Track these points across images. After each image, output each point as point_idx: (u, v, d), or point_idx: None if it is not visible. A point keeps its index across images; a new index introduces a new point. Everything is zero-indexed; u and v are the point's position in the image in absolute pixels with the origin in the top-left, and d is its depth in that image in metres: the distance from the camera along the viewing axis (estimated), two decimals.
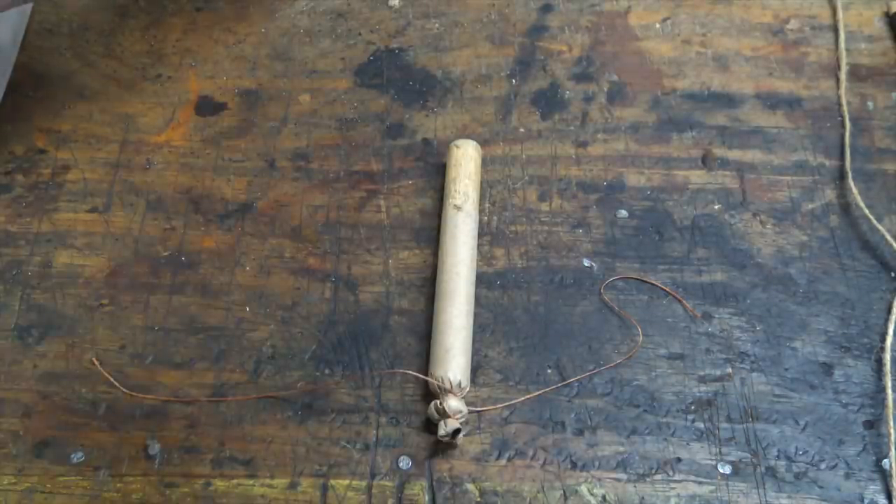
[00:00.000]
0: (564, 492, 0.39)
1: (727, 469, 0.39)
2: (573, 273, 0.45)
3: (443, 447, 0.40)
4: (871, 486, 0.39)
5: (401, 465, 0.40)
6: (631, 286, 0.45)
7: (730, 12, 0.56)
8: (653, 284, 0.45)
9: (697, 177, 0.49)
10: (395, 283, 0.45)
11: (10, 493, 0.40)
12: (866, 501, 0.38)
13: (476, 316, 0.43)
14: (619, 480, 0.39)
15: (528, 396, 0.41)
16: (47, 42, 0.56)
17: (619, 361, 0.42)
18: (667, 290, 0.44)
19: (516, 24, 0.55)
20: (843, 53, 0.53)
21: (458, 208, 0.45)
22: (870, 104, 0.51)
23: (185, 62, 0.55)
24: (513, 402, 0.41)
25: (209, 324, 0.44)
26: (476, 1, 0.57)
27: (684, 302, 0.44)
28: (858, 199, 0.46)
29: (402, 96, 0.53)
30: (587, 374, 0.42)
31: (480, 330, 0.43)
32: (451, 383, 0.39)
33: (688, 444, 0.40)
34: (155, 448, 0.41)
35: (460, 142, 0.47)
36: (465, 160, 0.47)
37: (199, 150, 0.51)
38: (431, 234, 0.47)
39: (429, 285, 0.45)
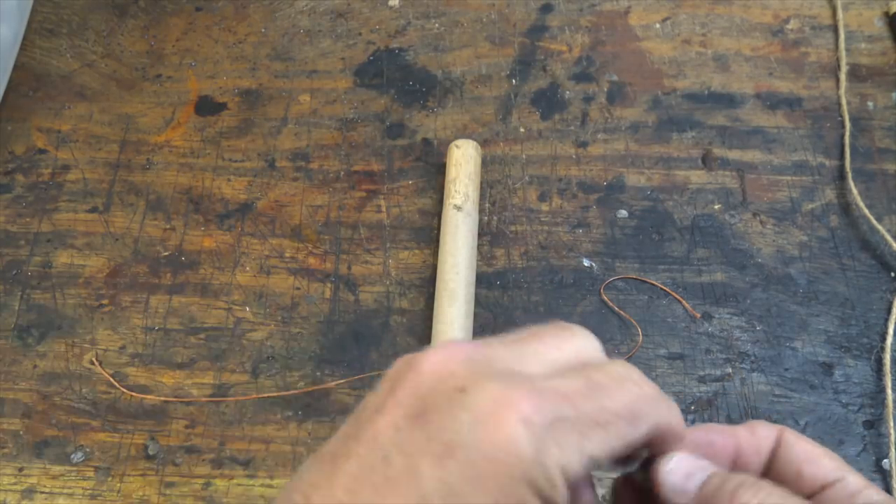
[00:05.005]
0: None
1: None
2: (573, 273, 0.45)
3: None
4: None
5: None
6: (631, 286, 0.45)
7: (730, 12, 0.55)
8: (652, 284, 0.45)
9: (697, 177, 0.49)
10: (395, 283, 0.45)
11: (10, 493, 0.40)
12: None
13: (476, 316, 0.43)
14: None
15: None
16: (47, 42, 0.56)
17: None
18: (666, 290, 0.44)
19: (516, 24, 0.55)
20: (843, 53, 0.53)
21: (458, 208, 0.45)
22: (870, 104, 0.51)
23: (185, 62, 0.55)
24: None
25: (209, 324, 0.44)
26: (476, 1, 0.57)
27: (684, 302, 0.44)
28: (858, 199, 0.46)
29: (402, 96, 0.53)
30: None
31: (480, 330, 0.43)
32: None
33: None
34: (155, 448, 0.41)
35: (460, 142, 0.47)
36: (465, 160, 0.47)
37: (199, 150, 0.51)
38: (431, 234, 0.47)
39: (429, 285, 0.45)
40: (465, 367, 0.24)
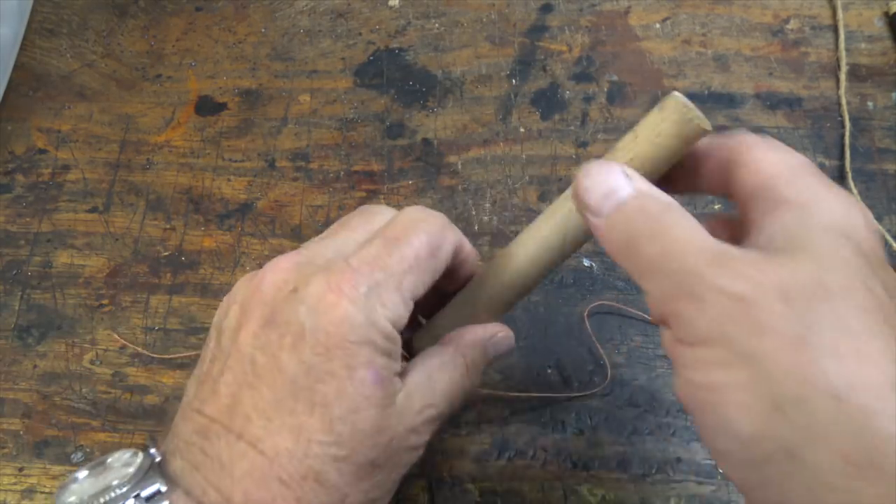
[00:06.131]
0: (564, 492, 0.39)
1: None
2: (573, 273, 0.45)
3: (443, 447, 0.40)
4: None
5: None
6: (631, 286, 0.45)
7: (730, 12, 0.56)
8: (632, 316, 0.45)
9: None
10: None
11: (10, 493, 0.40)
12: None
13: None
14: (619, 480, 0.39)
15: (529, 395, 0.41)
16: (47, 42, 0.56)
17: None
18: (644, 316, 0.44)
19: (516, 24, 0.56)
20: (843, 53, 0.53)
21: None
22: (870, 104, 0.51)
23: (185, 62, 0.55)
24: (513, 398, 0.41)
25: (209, 324, 0.44)
26: (476, 1, 0.57)
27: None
28: (858, 199, 0.46)
29: (402, 96, 0.53)
30: (592, 392, 0.42)
31: None
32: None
33: (688, 444, 0.40)
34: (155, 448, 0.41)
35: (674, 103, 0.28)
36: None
37: (199, 150, 0.51)
38: None
39: None
40: (293, 271, 0.29)
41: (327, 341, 0.27)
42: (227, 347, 0.29)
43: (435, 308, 0.35)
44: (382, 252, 0.29)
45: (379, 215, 0.32)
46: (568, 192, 0.30)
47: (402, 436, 0.29)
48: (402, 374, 0.30)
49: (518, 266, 0.32)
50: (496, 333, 0.34)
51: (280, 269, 0.29)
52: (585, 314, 0.44)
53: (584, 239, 0.31)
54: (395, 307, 0.28)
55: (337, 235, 0.31)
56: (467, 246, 0.32)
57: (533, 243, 0.31)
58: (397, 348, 0.29)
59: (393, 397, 0.28)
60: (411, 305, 0.29)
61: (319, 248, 0.30)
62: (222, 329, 0.30)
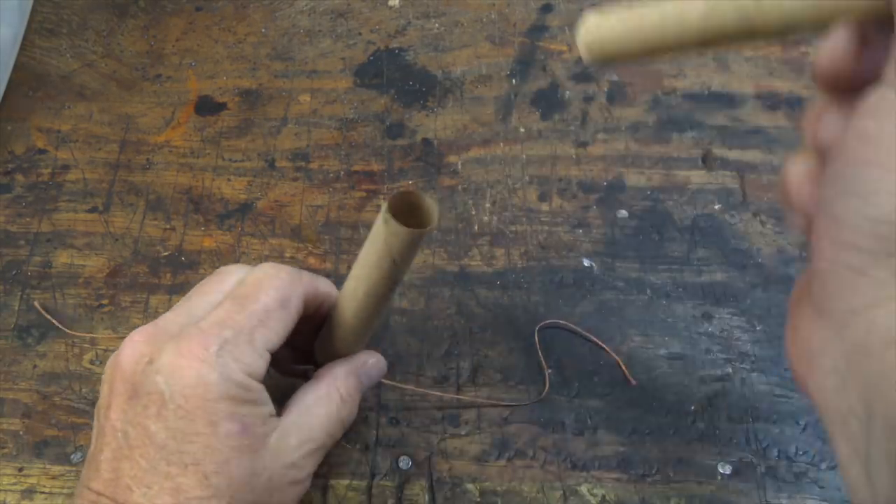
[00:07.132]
0: (564, 492, 0.39)
1: (727, 469, 0.39)
2: (573, 273, 0.45)
3: (443, 447, 0.40)
4: None
5: (401, 465, 0.40)
6: (631, 286, 0.45)
7: None
8: (582, 336, 0.45)
9: (697, 177, 0.49)
10: None
11: (10, 493, 0.40)
12: None
13: (476, 316, 0.43)
14: (619, 480, 0.39)
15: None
16: (47, 42, 0.56)
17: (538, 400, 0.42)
18: (591, 338, 0.44)
19: (516, 24, 0.55)
20: None
21: None
22: None
23: (185, 62, 0.55)
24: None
25: None
26: (476, 1, 0.57)
27: (606, 347, 0.43)
28: None
29: (402, 96, 0.53)
30: (528, 402, 0.42)
31: (480, 330, 0.43)
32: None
33: (688, 444, 0.40)
34: None
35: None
36: None
37: (199, 150, 0.51)
38: (432, 235, 0.47)
39: (429, 285, 0.45)
40: (148, 344, 0.31)
41: (187, 404, 0.29)
42: (102, 425, 0.31)
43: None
44: (232, 311, 0.31)
45: (231, 276, 0.34)
46: (380, 219, 0.31)
47: (280, 473, 0.31)
48: (278, 414, 0.32)
49: (357, 298, 0.33)
50: (366, 362, 0.36)
51: (135, 343, 0.31)
52: (536, 330, 0.43)
53: (411, 254, 0.32)
54: (249, 359, 0.31)
55: (191, 301, 0.33)
56: (322, 288, 0.34)
57: (363, 272, 0.33)
58: (260, 395, 0.31)
59: (264, 440, 0.31)
60: (267, 356, 0.31)
61: (173, 317, 0.32)
62: (98, 408, 0.32)
